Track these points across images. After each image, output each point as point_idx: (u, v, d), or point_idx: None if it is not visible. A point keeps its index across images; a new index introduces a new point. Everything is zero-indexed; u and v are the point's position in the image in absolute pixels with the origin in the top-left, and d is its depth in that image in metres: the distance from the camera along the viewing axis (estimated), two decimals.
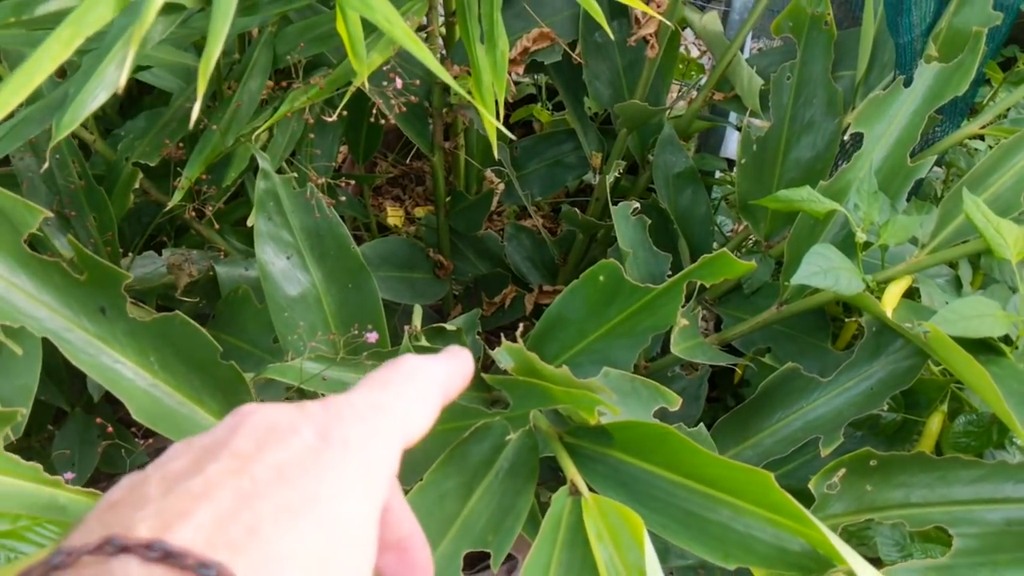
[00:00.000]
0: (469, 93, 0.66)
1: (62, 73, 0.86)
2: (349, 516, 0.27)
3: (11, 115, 0.61)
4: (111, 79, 0.61)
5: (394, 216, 1.35)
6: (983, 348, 0.67)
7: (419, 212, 1.36)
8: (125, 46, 0.62)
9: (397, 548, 0.34)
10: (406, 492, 0.58)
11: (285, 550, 0.25)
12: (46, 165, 0.61)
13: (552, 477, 0.70)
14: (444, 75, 0.52)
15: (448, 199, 1.11)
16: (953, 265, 0.94)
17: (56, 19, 0.57)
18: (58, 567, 0.24)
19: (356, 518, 0.27)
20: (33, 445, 1.00)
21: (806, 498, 0.67)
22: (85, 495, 0.51)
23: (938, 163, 1.12)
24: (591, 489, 0.55)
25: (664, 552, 0.79)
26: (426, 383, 0.34)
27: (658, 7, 0.90)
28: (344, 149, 1.22)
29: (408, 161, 1.44)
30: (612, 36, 0.68)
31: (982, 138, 1.23)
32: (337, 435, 0.29)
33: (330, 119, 0.70)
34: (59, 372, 0.94)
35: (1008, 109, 1.10)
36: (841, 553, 0.48)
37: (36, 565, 0.24)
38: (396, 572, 0.35)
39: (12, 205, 0.56)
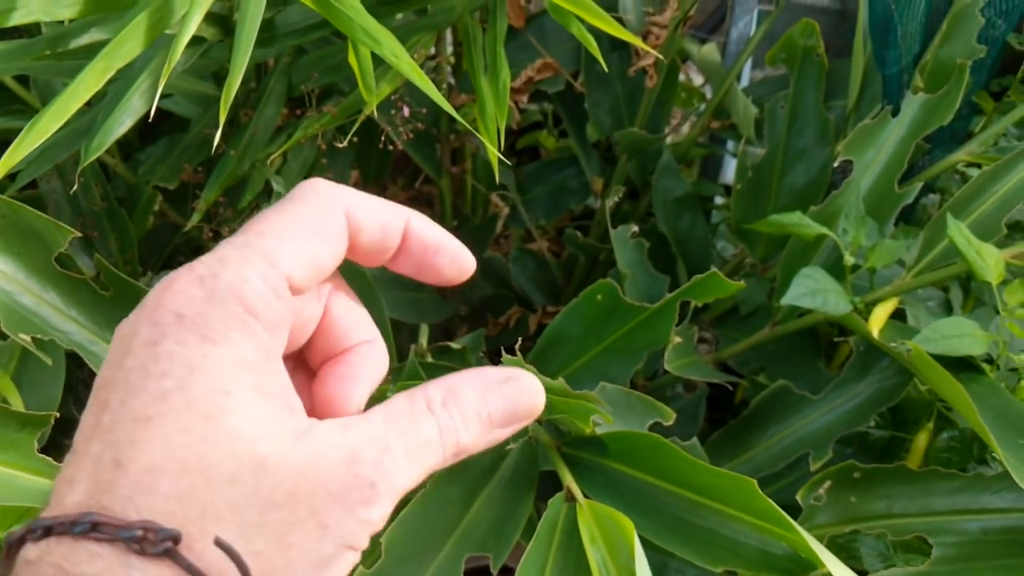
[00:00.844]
0: (473, 121, 0.70)
1: (87, 101, 0.91)
2: (208, 388, 0.25)
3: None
4: (136, 107, 0.65)
5: None
6: (964, 366, 0.70)
7: None
8: (150, 76, 0.66)
9: (343, 358, 0.31)
10: (407, 501, 0.61)
11: (150, 463, 0.24)
12: (75, 187, 0.65)
13: (551, 494, 0.73)
14: (446, 105, 0.56)
15: (455, 222, 1.14)
16: (944, 289, 0.97)
17: (86, 52, 0.61)
18: None
19: (219, 385, 0.25)
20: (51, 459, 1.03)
21: (795, 511, 0.70)
22: None
23: (932, 190, 1.15)
24: (586, 496, 0.58)
25: (662, 567, 0.82)
26: (319, 210, 0.29)
27: (657, 40, 0.94)
28: (355, 174, 1.25)
29: (417, 185, 1.47)
30: (607, 69, 0.72)
31: (980, 166, 1.26)
32: (168, 314, 0.26)
33: (341, 145, 0.74)
34: (76, 387, 0.98)
35: (999, 137, 1.13)
36: (821, 557, 0.51)
37: None
38: (342, 380, 0.31)
39: (43, 225, 0.60)
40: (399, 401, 0.29)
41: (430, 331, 1.00)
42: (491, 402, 0.30)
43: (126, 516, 0.23)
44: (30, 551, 0.24)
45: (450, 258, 0.32)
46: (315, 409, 0.30)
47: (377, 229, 0.30)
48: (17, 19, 0.51)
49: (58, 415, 0.62)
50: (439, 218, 1.26)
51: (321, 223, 0.29)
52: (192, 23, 0.47)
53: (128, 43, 0.50)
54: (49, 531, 0.24)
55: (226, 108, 0.49)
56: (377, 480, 0.27)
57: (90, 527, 0.23)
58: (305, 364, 0.33)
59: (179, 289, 0.26)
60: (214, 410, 0.25)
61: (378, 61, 0.65)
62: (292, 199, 0.29)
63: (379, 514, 0.27)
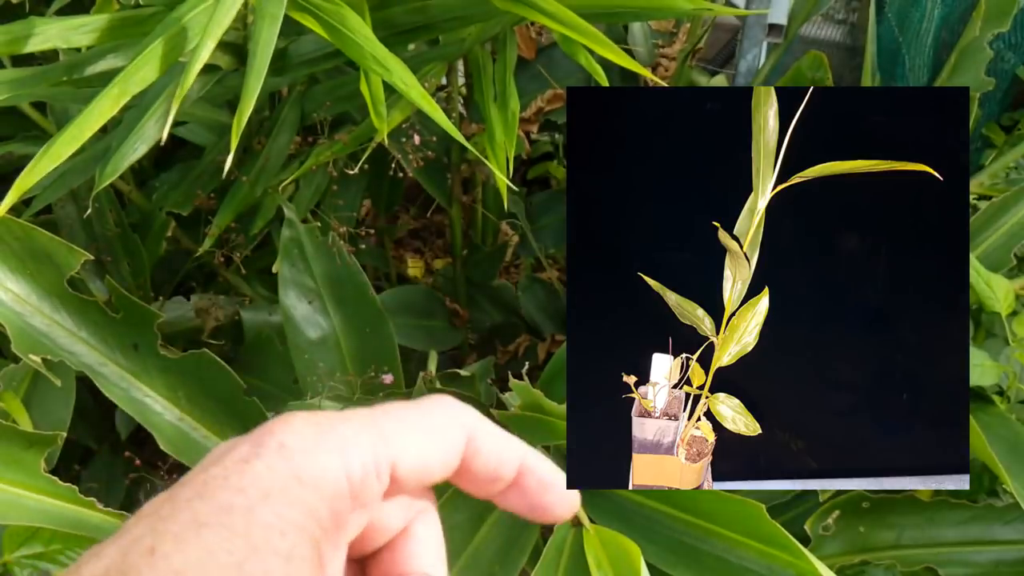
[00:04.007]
0: (483, 150, 0.71)
1: (103, 127, 0.92)
2: (270, 522, 0.25)
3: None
4: (150, 133, 0.66)
5: (414, 267, 1.39)
6: (974, 397, 0.70)
7: (438, 263, 1.40)
8: (164, 103, 0.67)
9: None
10: None
11: (183, 564, 0.23)
12: (89, 211, 0.66)
13: None
14: (456, 133, 0.57)
15: (465, 251, 1.15)
16: None
17: (102, 79, 0.62)
18: None
19: (280, 524, 0.25)
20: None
21: (804, 541, 0.70)
22: (116, 516, 0.55)
23: None
24: (592, 521, 0.58)
25: None
26: (442, 419, 0.29)
27: (666, 71, 0.95)
28: (367, 203, 1.27)
29: (429, 214, 1.48)
30: None
31: (991, 197, 1.27)
32: (274, 440, 0.26)
33: (352, 172, 0.75)
34: (88, 410, 0.98)
35: (1009, 169, 1.13)
36: None
37: None
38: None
39: (56, 248, 0.61)
40: None
41: (438, 359, 1.00)
42: None
43: None
44: None
45: (559, 497, 0.31)
46: None
47: (493, 457, 0.29)
48: (35, 46, 0.52)
49: (69, 437, 0.63)
50: (449, 246, 1.27)
51: (442, 430, 0.28)
52: (203, 52, 0.48)
53: (142, 70, 0.51)
54: None
55: (238, 135, 0.50)
56: None
57: None
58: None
59: (292, 424, 0.26)
60: (262, 545, 0.24)
61: (390, 90, 0.65)
62: (419, 403, 0.29)
63: None
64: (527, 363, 1.14)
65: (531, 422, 0.65)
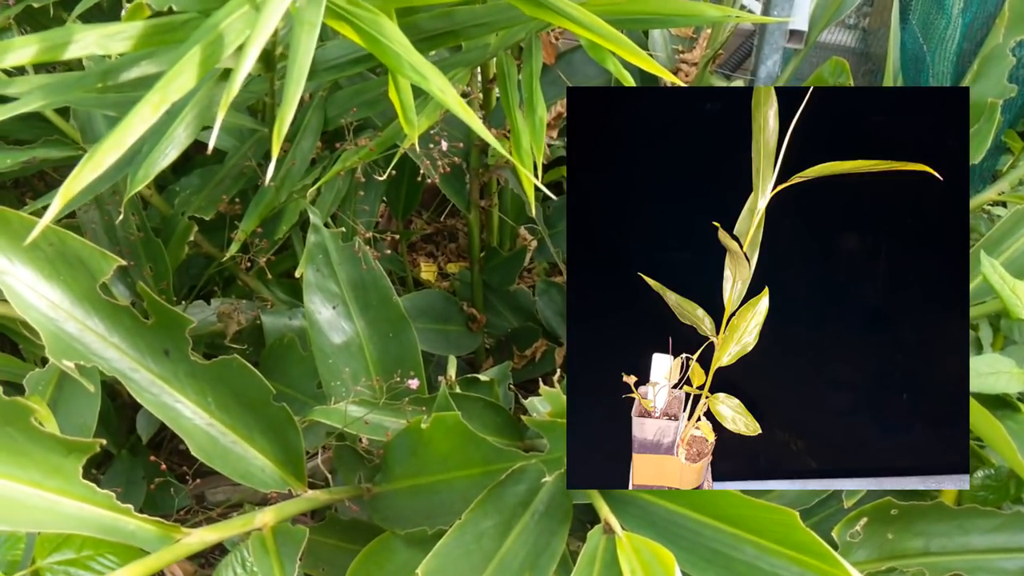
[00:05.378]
0: (509, 154, 0.71)
1: None
2: None
3: None
4: (181, 139, 0.66)
5: (427, 271, 1.40)
6: (1000, 404, 0.70)
7: (451, 268, 1.40)
8: (193, 108, 0.68)
9: None
10: (441, 533, 0.61)
11: None
12: (120, 217, 0.66)
13: (582, 528, 0.73)
14: (490, 139, 0.57)
15: (482, 255, 1.15)
16: (974, 327, 0.96)
17: (135, 85, 0.63)
18: None
19: None
20: None
21: (831, 547, 0.70)
22: (152, 523, 0.55)
23: None
24: (624, 529, 0.58)
25: None
26: None
27: (687, 77, 0.95)
28: (382, 206, 1.27)
29: (442, 219, 1.49)
30: None
31: (1005, 204, 1.27)
32: None
33: (380, 178, 0.75)
34: (108, 414, 0.98)
35: None
36: None
37: None
38: None
39: (89, 254, 0.61)
40: None
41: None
42: None
43: None
44: None
45: None
46: None
47: None
48: (73, 52, 0.53)
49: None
50: (463, 251, 1.27)
51: None
52: (249, 58, 0.49)
53: (181, 77, 0.51)
54: None
55: (278, 145, 0.51)
56: None
57: None
58: None
59: None
60: None
61: (414, 96, 0.66)
62: None
63: None
64: (546, 370, 1.15)
65: (561, 429, 0.65)
